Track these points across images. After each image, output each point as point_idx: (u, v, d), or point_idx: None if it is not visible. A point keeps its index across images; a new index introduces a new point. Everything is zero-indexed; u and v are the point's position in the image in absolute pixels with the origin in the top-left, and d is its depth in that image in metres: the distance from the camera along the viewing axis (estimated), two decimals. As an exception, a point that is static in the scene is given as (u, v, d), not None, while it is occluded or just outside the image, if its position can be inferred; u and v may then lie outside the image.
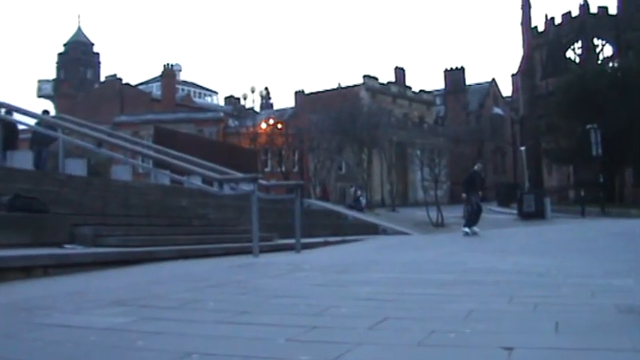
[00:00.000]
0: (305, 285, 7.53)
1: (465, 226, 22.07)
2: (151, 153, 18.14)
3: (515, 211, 43.06)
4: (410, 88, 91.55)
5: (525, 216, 38.47)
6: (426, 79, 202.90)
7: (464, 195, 23.09)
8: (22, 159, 17.57)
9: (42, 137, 18.91)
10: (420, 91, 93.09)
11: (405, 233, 26.83)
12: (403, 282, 7.78)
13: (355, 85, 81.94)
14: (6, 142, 17.43)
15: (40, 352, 3.69)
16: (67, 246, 10.46)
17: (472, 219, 21.89)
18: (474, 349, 3.78)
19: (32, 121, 19.30)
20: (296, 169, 67.97)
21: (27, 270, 8.38)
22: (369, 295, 6.37)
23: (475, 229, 21.41)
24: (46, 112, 20.07)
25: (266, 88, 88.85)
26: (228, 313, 5.00)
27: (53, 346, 3.86)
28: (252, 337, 4.11)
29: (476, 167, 23.42)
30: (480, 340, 3.98)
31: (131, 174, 22.89)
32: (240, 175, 15.27)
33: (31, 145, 18.95)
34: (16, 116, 18.16)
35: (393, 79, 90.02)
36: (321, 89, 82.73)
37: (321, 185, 59.04)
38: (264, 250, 12.31)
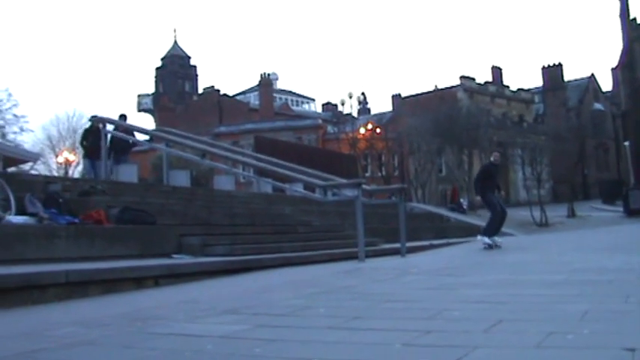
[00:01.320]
0: (414, 289, 7.47)
1: (483, 234, 15.85)
2: (254, 162, 18.27)
3: (620, 209, 41.82)
4: (507, 87, 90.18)
5: (632, 213, 37.30)
6: (524, 77, 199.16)
7: (478, 197, 18.42)
8: (129, 172, 17.97)
9: (121, 144, 19.19)
10: (518, 89, 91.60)
11: (509, 234, 26.39)
12: (513, 283, 7.66)
13: (452, 87, 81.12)
14: (116, 155, 18.13)
15: (158, 362, 3.74)
16: (175, 256, 10.62)
17: (493, 226, 15.94)
18: (595, 350, 3.68)
19: (141, 136, 19.91)
20: (396, 173, 67.66)
21: (138, 281, 8.52)
22: (480, 297, 6.28)
23: (497, 239, 15.77)
24: (123, 116, 20.04)
25: (363, 93, 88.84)
26: (341, 319, 4.98)
27: (172, 355, 3.90)
28: (369, 342, 4.07)
29: (492, 159, 17.12)
30: (599, 341, 3.88)
31: (234, 184, 23.20)
32: (343, 180, 15.29)
33: (109, 154, 19.18)
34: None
35: (490, 79, 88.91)
36: (417, 92, 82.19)
37: (452, 186, 58.13)
38: (369, 255, 12.25)
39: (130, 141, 19.45)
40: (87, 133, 19.59)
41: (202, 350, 3.93)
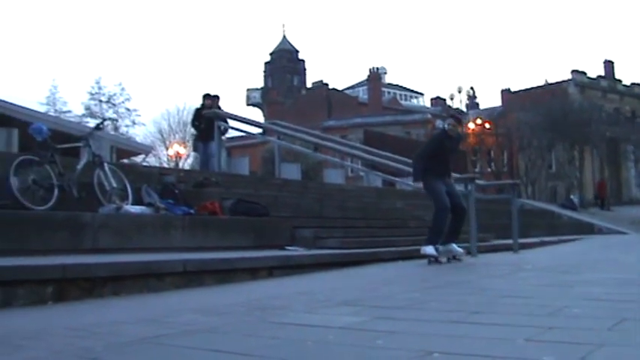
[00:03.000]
0: (531, 285, 7.33)
1: (426, 242, 10.50)
2: (366, 155, 18.29)
3: None
4: (620, 81, 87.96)
5: None
6: (638, 71, 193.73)
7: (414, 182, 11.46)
8: (241, 165, 18.19)
9: (208, 132, 18.15)
10: (632, 84, 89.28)
11: (622, 232, 25.76)
12: (632, 282, 7.42)
13: (563, 81, 79.53)
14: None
15: (283, 350, 3.72)
16: (288, 248, 10.70)
17: (438, 228, 10.65)
18: None
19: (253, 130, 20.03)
20: (505, 169, 66.84)
21: (253, 271, 8.60)
22: (599, 295, 6.11)
23: (455, 247, 10.81)
24: (209, 96, 18.65)
25: (472, 88, 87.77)
26: (460, 313, 4.91)
27: (293, 344, 3.89)
28: (490, 337, 4.00)
29: (446, 125, 11.21)
30: None
31: (344, 177, 23.27)
32: (456, 175, 15.12)
33: (195, 143, 19.25)
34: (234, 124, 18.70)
35: (602, 73, 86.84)
36: (527, 86, 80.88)
37: (598, 181, 56.97)
38: (481, 251, 12.14)
39: (222, 127, 18.46)
40: (198, 112, 18.49)
41: (324, 340, 3.91)
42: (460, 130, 12.54)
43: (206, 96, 18.44)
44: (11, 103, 24.99)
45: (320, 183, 20.61)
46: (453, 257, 10.62)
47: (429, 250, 10.23)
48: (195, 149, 19.09)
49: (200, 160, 18.25)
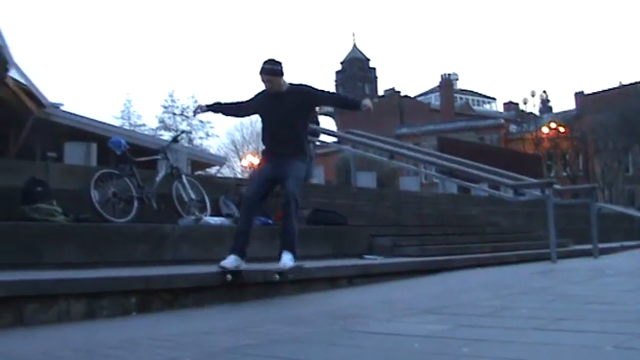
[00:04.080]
0: (615, 291, 7.21)
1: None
2: (442, 162, 18.18)
3: None
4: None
5: None
6: None
7: None
8: (316, 174, 18.24)
9: None
10: None
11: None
12: None
13: (637, 82, 77.94)
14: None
15: (367, 359, 3.73)
16: (367, 257, 10.70)
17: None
18: None
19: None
20: (581, 172, 65.80)
21: (332, 280, 8.62)
22: (689, 301, 5.99)
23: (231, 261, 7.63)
24: None
25: (544, 91, 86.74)
26: (544, 320, 4.85)
27: (379, 353, 3.89)
28: (576, 344, 3.94)
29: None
30: None
31: (419, 184, 23.20)
32: (533, 180, 14.98)
33: None
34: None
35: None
36: (601, 88, 79.42)
37: None
38: (560, 256, 11.98)
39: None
40: None
41: (409, 349, 3.90)
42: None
43: None
44: (88, 118, 25.50)
45: (395, 191, 20.60)
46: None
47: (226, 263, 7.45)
48: None
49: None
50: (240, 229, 7.90)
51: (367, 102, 8.41)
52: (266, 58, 7.83)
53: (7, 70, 26.00)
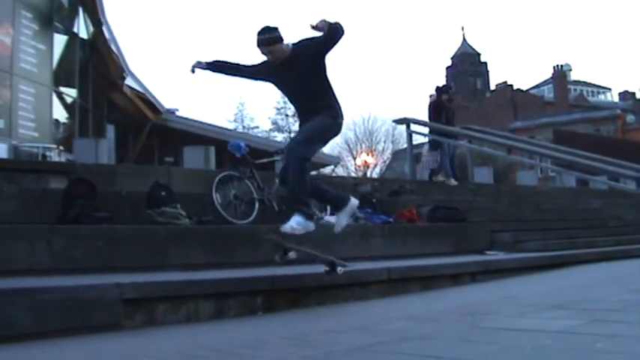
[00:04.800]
0: None
1: None
2: (561, 155, 17.91)
3: None
4: None
5: None
6: None
7: None
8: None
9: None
10: None
11: None
12: None
13: None
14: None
15: (502, 355, 3.70)
16: (488, 252, 10.61)
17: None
18: None
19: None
20: None
21: (455, 277, 8.56)
22: None
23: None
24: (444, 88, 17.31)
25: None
26: (682, 315, 4.73)
27: (511, 349, 3.86)
28: None
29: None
30: None
31: (536, 179, 22.87)
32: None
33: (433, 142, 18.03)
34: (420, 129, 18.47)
35: None
36: None
37: None
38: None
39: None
40: (438, 107, 16.76)
41: (541, 345, 3.86)
42: None
43: (442, 89, 17.04)
44: (203, 122, 25.98)
45: (513, 185, 20.36)
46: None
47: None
48: (434, 148, 16.54)
49: (441, 161, 16.24)
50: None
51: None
52: (259, 28, 6.93)
53: (124, 78, 26.77)
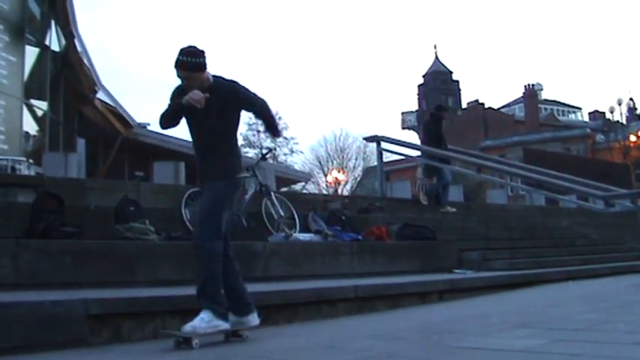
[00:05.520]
0: None
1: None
2: (529, 174, 18.03)
3: None
4: None
5: None
6: None
7: None
8: (402, 189, 18.23)
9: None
10: None
11: None
12: None
13: None
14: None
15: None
16: (456, 271, 10.64)
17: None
18: None
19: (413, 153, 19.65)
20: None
21: (423, 295, 8.60)
22: None
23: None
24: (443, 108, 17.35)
25: (631, 99, 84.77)
26: (644, 334, 4.77)
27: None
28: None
29: None
30: None
31: (506, 197, 23.00)
32: (624, 191, 14.74)
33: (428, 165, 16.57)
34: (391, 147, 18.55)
35: None
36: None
37: None
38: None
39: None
40: (435, 127, 16.46)
41: (508, 364, 3.90)
42: None
43: (442, 108, 17.15)
44: (175, 137, 25.87)
45: (483, 204, 20.49)
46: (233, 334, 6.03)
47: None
48: (428, 174, 16.16)
49: (442, 189, 15.81)
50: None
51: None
52: (184, 47, 6.07)
53: (95, 92, 26.65)
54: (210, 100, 5.92)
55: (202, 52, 6.05)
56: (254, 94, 6.33)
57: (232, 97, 6.12)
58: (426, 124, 16.83)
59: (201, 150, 6.15)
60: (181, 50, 6.00)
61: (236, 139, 6.38)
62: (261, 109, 6.49)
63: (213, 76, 6.16)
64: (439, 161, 15.86)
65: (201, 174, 6.22)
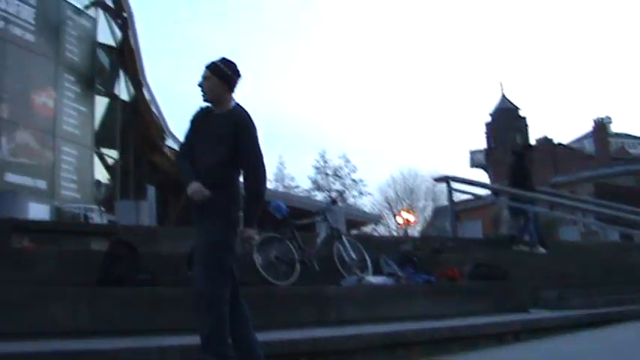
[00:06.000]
0: None
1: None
2: (602, 210, 17.74)
3: None
4: None
5: None
6: None
7: None
8: (474, 228, 18.08)
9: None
10: None
11: None
12: None
13: None
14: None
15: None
16: (532, 310, 10.47)
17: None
18: None
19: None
20: None
21: (499, 336, 8.47)
22: None
23: None
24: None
25: None
26: None
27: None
28: None
29: None
30: None
31: (579, 234, 22.63)
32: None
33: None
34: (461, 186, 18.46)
35: None
36: None
37: None
38: None
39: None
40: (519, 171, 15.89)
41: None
42: None
43: (529, 146, 16.45)
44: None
45: (555, 241, 20.11)
46: None
47: None
48: (514, 214, 16.19)
49: (525, 228, 15.47)
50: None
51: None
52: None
53: (164, 139, 27.07)
54: (220, 126, 5.59)
55: (235, 70, 5.69)
56: (255, 142, 5.66)
57: (240, 129, 5.57)
58: (510, 164, 16.47)
59: (205, 173, 5.56)
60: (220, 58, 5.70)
61: (239, 174, 5.72)
62: (249, 163, 5.65)
63: (237, 104, 5.73)
64: (524, 202, 15.60)
65: (198, 208, 5.59)
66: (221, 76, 5.59)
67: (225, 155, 5.56)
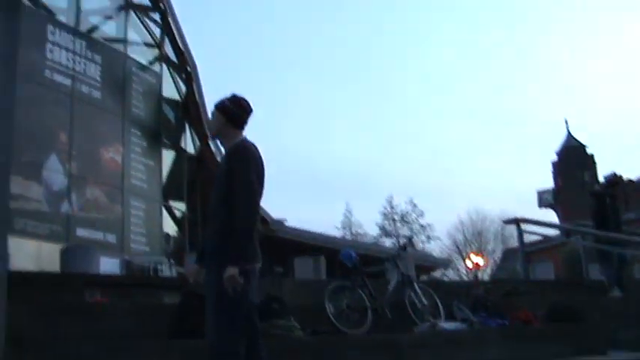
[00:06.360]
0: None
1: None
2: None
3: None
4: None
5: None
6: None
7: None
8: (546, 270, 17.89)
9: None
10: None
11: None
12: None
13: None
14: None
15: None
16: (610, 352, 10.26)
17: None
18: None
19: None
20: None
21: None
22: None
23: None
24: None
25: None
26: None
27: None
28: None
29: None
30: None
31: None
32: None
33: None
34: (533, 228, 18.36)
35: None
36: None
37: None
38: None
39: None
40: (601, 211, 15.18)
41: None
42: None
43: (612, 180, 15.90)
44: (311, 232, 26.16)
45: (632, 280, 19.77)
46: None
47: None
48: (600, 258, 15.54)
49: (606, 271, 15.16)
50: None
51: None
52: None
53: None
54: (222, 163, 5.68)
55: (241, 105, 5.66)
56: (247, 179, 5.33)
57: (233, 159, 5.47)
58: (590, 206, 15.95)
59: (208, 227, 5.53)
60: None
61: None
62: (238, 198, 5.27)
63: (242, 140, 5.62)
64: (608, 244, 15.07)
65: (202, 255, 5.57)
66: (224, 111, 5.60)
67: (223, 193, 5.42)
